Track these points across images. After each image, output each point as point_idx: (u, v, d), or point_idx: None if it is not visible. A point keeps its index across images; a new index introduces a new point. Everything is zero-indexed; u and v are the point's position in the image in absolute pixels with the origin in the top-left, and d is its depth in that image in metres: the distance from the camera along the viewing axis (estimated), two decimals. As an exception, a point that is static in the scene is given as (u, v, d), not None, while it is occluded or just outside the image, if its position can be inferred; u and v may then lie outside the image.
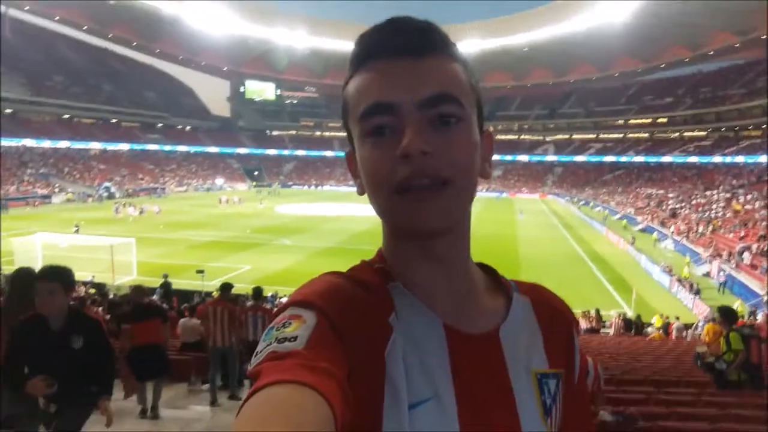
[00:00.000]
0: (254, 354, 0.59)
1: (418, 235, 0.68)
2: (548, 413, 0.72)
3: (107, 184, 56.06)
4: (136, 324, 6.01)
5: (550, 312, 0.80)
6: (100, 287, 16.18)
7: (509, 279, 0.83)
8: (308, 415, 0.47)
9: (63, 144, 61.24)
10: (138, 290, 6.69)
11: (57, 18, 71.72)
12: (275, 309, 0.68)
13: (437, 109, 0.64)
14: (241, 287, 18.26)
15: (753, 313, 16.37)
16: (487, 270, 0.83)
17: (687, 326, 14.92)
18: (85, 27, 75.17)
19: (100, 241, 23.06)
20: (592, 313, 15.54)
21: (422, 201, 0.64)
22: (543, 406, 0.71)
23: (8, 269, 20.57)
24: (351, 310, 0.64)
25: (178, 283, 17.88)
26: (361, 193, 0.73)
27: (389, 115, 0.64)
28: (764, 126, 52.58)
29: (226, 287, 7.76)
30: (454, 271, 0.73)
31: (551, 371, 0.75)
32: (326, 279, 0.70)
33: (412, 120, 0.64)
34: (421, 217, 0.64)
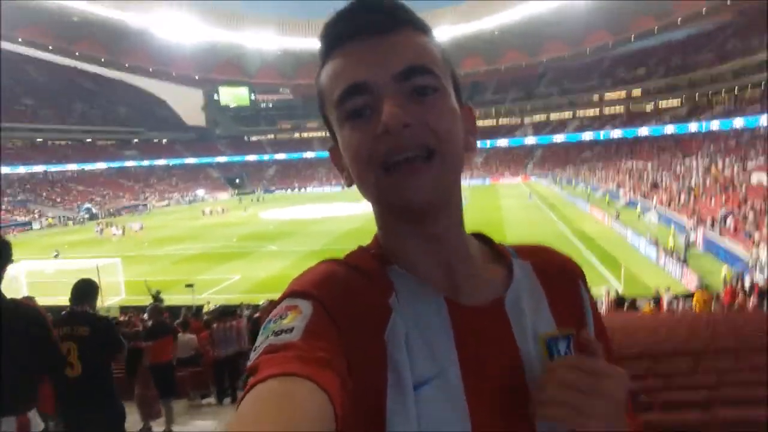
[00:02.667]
0: (253, 348, 0.59)
1: (410, 211, 0.66)
2: None
3: (88, 205, 55.32)
4: (156, 342, 6.24)
5: (554, 271, 0.79)
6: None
7: (508, 245, 0.82)
8: (305, 408, 0.47)
9: (39, 168, 60.38)
10: (156, 310, 6.84)
11: (20, 39, 70.46)
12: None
13: (412, 81, 0.64)
14: (233, 297, 18.15)
15: (739, 277, 16.57)
16: (484, 239, 0.82)
17: (681, 297, 15.10)
18: (50, 47, 74.04)
19: (85, 264, 22.73)
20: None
21: (411, 175, 0.63)
22: None
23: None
24: (347, 297, 0.64)
25: (168, 299, 17.69)
26: (349, 184, 0.72)
27: (365, 95, 0.63)
28: (736, 89, 53.25)
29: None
30: (451, 246, 0.72)
31: (560, 333, 0.73)
32: (322, 267, 0.70)
33: (389, 95, 0.63)
34: (412, 192, 0.63)
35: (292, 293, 0.64)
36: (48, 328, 3.08)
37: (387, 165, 0.63)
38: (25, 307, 3.03)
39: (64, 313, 4.00)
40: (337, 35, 0.67)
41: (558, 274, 0.79)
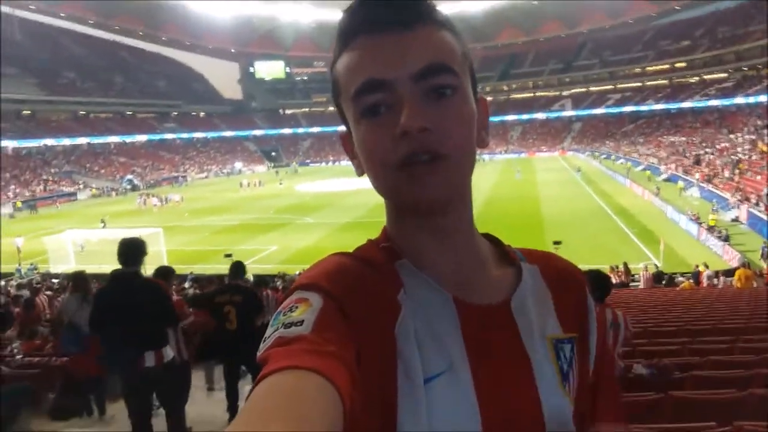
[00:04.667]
0: (263, 339, 0.59)
1: (420, 209, 0.66)
2: (566, 379, 0.71)
3: (129, 176, 56.82)
4: (198, 311, 6.57)
5: (559, 277, 0.79)
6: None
7: (516, 248, 0.82)
8: (315, 402, 0.47)
9: (82, 140, 62.02)
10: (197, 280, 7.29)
11: (62, 15, 71.99)
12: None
13: (432, 81, 0.63)
14: (270, 268, 18.56)
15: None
16: (493, 241, 0.82)
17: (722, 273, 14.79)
18: (91, 21, 75.40)
19: (129, 233, 23.45)
20: (621, 267, 15.44)
21: (423, 175, 0.63)
22: (561, 373, 0.71)
23: (44, 267, 21.20)
24: (358, 291, 0.64)
25: (207, 268, 18.19)
26: (360, 174, 0.72)
27: (383, 92, 0.63)
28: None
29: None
30: (460, 244, 0.72)
31: (566, 336, 0.74)
32: (332, 260, 0.70)
33: (408, 95, 0.62)
34: (423, 191, 0.63)
35: (302, 286, 0.64)
36: (168, 296, 4.34)
37: (401, 164, 0.63)
38: (153, 282, 4.44)
39: (224, 284, 5.93)
40: (356, 26, 0.66)
41: (565, 280, 0.79)
